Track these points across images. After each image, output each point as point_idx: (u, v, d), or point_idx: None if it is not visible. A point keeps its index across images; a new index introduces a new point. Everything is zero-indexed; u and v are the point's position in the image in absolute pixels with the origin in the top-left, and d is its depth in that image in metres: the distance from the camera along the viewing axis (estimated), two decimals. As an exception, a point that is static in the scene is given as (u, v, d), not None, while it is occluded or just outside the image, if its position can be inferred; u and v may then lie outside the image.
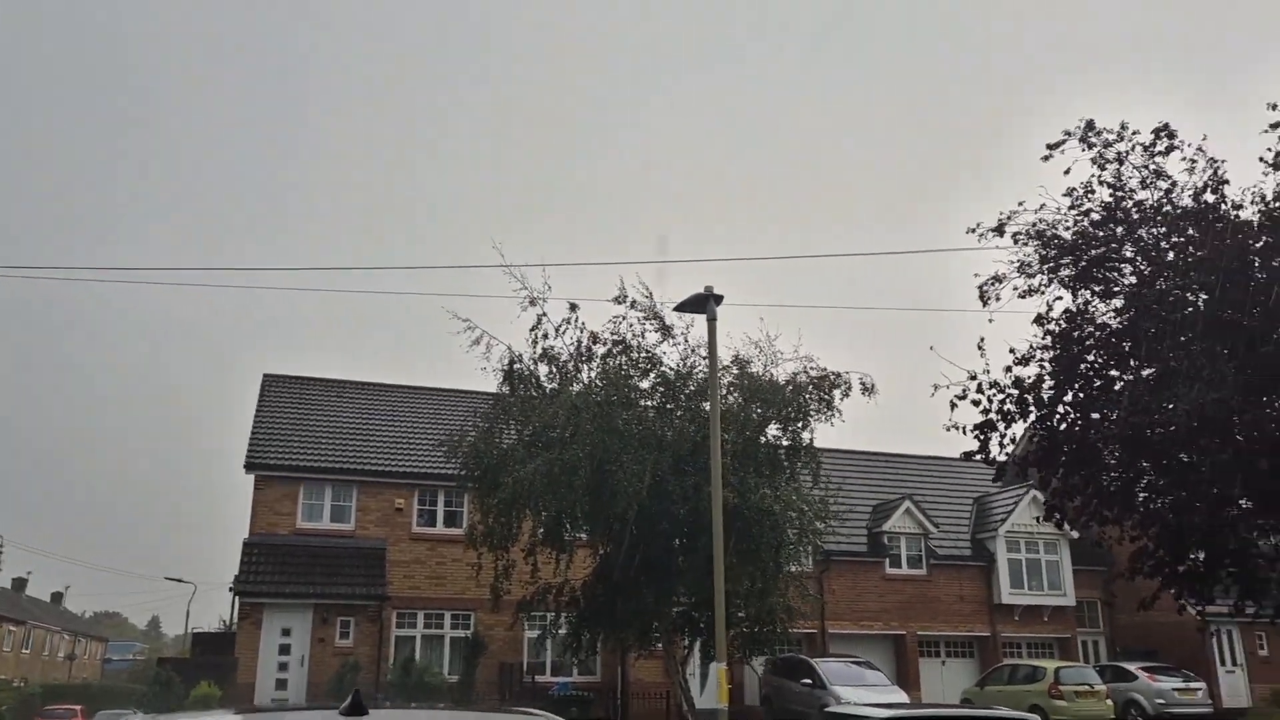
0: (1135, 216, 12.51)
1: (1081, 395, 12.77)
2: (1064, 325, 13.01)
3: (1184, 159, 12.38)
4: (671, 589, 19.57)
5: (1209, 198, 12.12)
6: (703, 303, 15.63)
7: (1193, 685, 26.53)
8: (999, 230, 13.33)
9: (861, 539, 30.05)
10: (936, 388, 12.73)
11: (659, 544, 18.51)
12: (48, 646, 59.70)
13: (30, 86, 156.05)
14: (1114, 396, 12.15)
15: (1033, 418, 12.89)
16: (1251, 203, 11.91)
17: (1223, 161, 12.20)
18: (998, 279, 13.39)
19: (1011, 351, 12.92)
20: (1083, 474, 12.88)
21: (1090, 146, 12.50)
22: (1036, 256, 13.19)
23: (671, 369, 19.67)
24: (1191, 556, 12.81)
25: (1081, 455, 12.68)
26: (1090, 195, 12.84)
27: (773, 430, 19.74)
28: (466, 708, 8.93)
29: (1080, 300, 13.13)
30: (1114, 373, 12.58)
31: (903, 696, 22.93)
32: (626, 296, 19.27)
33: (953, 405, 12.59)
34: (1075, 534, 28.92)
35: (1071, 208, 13.01)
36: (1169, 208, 12.27)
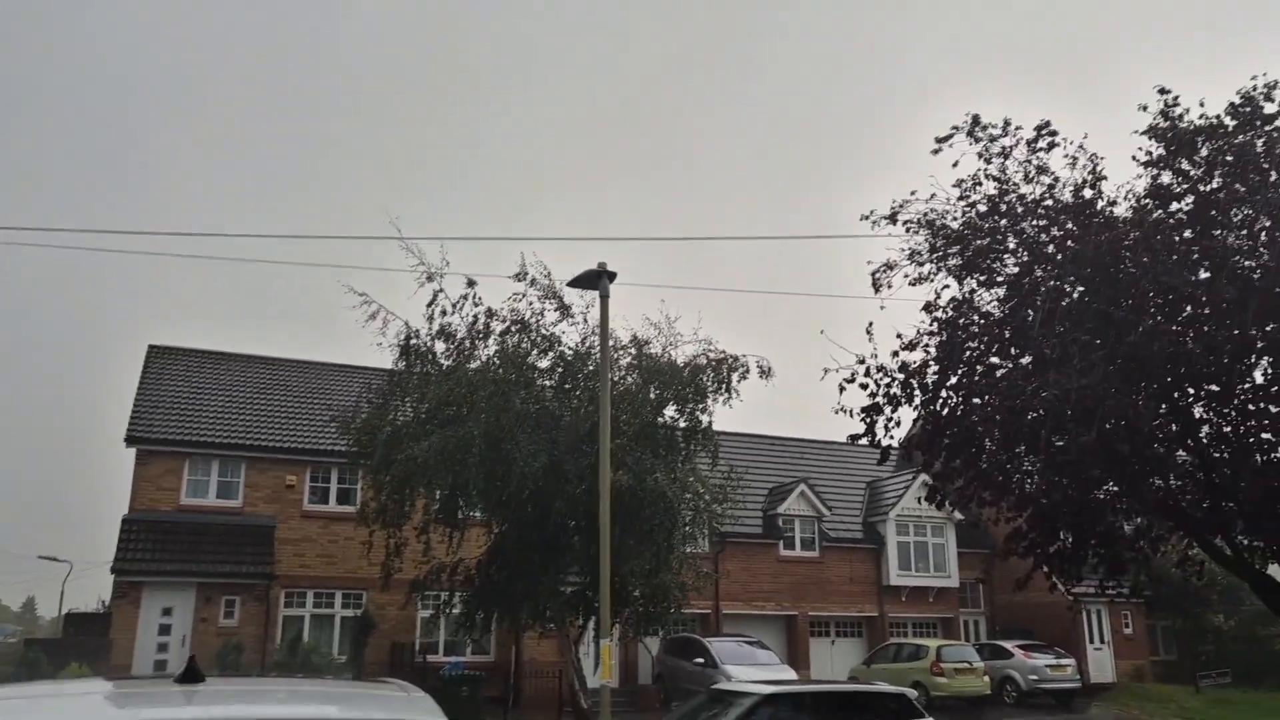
0: (1019, 210, 12.91)
1: (965, 381, 13.17)
2: (950, 313, 13.37)
3: (1066, 155, 12.83)
4: (566, 568, 19.60)
5: (1087, 193, 12.58)
6: (595, 279, 15.66)
7: (1063, 662, 27.90)
8: (892, 218, 13.59)
9: (757, 521, 30.55)
10: (827, 371, 12.96)
11: (554, 523, 18.48)
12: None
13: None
14: (995, 382, 12.57)
15: (918, 402, 13.24)
16: (1125, 199, 12.45)
17: (1102, 159, 12.71)
18: (889, 266, 13.66)
19: (899, 337, 13.23)
20: (963, 457, 13.30)
21: (977, 140, 12.83)
22: (926, 245, 13.50)
23: (570, 349, 19.61)
24: (1061, 537, 13.37)
25: (963, 439, 13.08)
26: (977, 187, 13.18)
27: (670, 412, 19.87)
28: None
29: (966, 289, 13.50)
30: (995, 359, 13.00)
31: (792, 675, 23.47)
32: (526, 274, 19.12)
33: (841, 389, 12.83)
34: (960, 516, 30.02)
35: (960, 199, 13.34)
36: (1050, 201, 12.72)
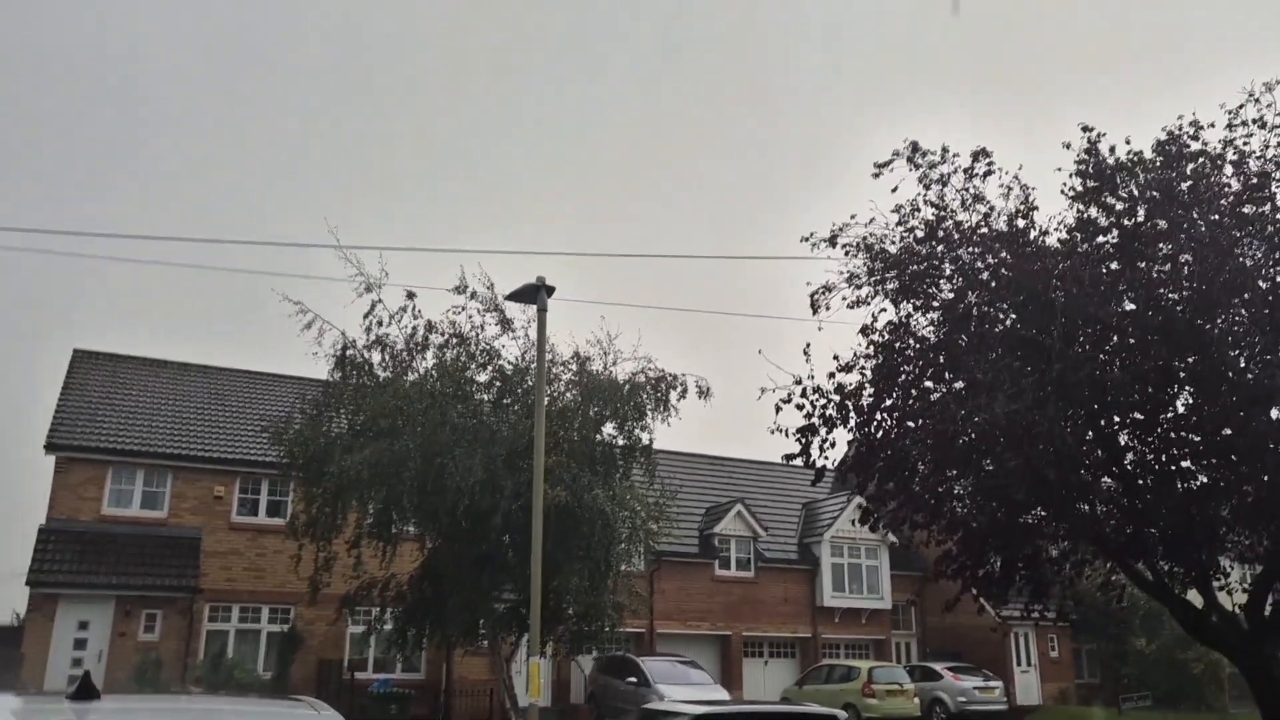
0: (955, 236, 13.15)
1: (899, 404, 13.33)
2: (887, 336, 13.53)
3: (1001, 185, 13.12)
4: (501, 584, 19.38)
5: (1020, 223, 12.88)
6: (534, 293, 15.62)
7: (991, 684, 28.35)
8: (831, 241, 13.72)
9: (693, 540, 30.57)
10: (763, 391, 13.02)
11: (490, 539, 18.28)
12: None
13: None
14: (928, 406, 12.73)
15: (853, 424, 13.35)
16: (1055, 230, 12.76)
17: (1034, 189, 13.01)
18: (828, 288, 13.77)
19: (836, 359, 13.36)
20: (896, 480, 13.44)
21: (916, 166, 13.06)
22: (865, 269, 13.66)
23: (510, 364, 19.49)
24: (990, 560, 13.56)
25: (896, 462, 13.21)
26: (916, 213, 13.40)
27: (609, 429, 19.83)
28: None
29: (903, 313, 13.68)
30: (929, 384, 13.17)
31: (724, 695, 23.47)
32: (467, 286, 18.98)
33: (777, 408, 12.89)
34: (893, 539, 30.37)
35: (899, 224, 13.55)
36: (985, 229, 12.97)
